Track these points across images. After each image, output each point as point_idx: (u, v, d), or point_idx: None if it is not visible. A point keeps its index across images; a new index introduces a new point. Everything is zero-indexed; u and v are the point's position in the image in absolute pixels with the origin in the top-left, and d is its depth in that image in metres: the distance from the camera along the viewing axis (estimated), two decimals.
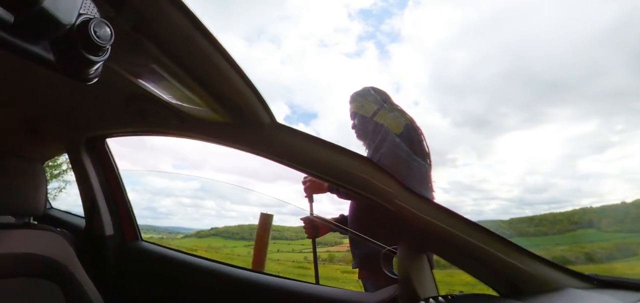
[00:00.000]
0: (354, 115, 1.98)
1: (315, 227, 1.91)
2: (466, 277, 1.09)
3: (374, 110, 1.89)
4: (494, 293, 1.04)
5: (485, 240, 1.00)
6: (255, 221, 2.81)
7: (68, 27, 0.49)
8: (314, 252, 1.98)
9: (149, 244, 1.94)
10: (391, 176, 1.09)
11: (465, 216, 1.01)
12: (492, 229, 1.01)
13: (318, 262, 1.92)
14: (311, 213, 1.93)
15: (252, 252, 2.77)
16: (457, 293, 1.21)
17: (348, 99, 2.04)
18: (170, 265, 1.76)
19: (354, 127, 1.98)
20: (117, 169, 1.99)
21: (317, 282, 1.85)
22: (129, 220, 1.97)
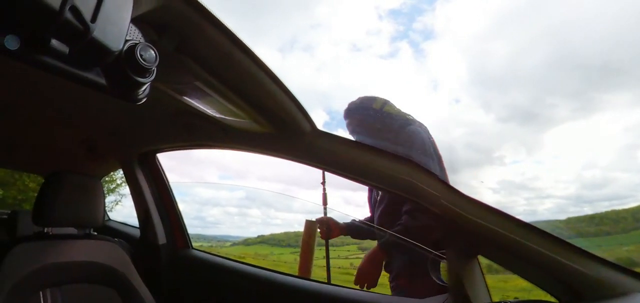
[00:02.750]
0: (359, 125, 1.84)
1: (329, 228, 1.94)
2: (521, 282, 1.03)
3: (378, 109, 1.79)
4: (552, 299, 0.98)
5: (541, 242, 0.94)
6: (300, 228, 2.81)
7: (117, 53, 0.52)
8: (327, 251, 2.06)
9: (199, 252, 2.02)
10: (436, 177, 1.06)
11: (518, 217, 0.96)
12: (548, 230, 0.95)
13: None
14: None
15: (298, 258, 2.78)
16: (511, 299, 1.15)
17: (344, 114, 1.89)
18: (220, 272, 1.82)
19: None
20: (168, 182, 2.08)
21: (329, 281, 1.90)
22: (180, 229, 2.05)
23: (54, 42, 0.46)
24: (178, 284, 1.90)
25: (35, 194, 1.32)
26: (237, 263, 1.82)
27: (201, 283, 1.84)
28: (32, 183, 7.76)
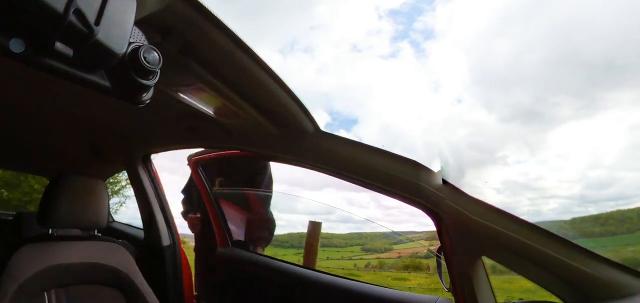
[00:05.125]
0: None
1: (194, 223, 2.36)
2: (526, 283, 1.03)
3: None
4: (557, 300, 0.97)
5: (546, 243, 0.94)
6: (304, 229, 2.81)
7: (120, 55, 0.52)
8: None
9: (240, 250, 2.04)
10: (441, 179, 1.06)
11: (522, 217, 0.96)
12: (553, 230, 0.94)
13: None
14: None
15: (302, 260, 2.78)
16: (516, 300, 1.15)
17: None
18: (262, 268, 1.84)
19: None
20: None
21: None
22: (220, 228, 2.09)
23: (58, 45, 0.47)
24: (224, 280, 1.94)
25: (40, 195, 1.32)
26: (279, 262, 1.84)
27: (243, 278, 1.88)
28: (37, 184, 7.82)
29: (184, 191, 2.51)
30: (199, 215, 2.34)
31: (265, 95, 1.00)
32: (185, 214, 2.44)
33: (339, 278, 1.61)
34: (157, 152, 1.96)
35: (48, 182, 1.31)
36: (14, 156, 2.58)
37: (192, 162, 2.03)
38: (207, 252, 2.37)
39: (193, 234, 2.45)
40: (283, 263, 1.81)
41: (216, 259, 2.00)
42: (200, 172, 2.06)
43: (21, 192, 8.33)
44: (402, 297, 1.39)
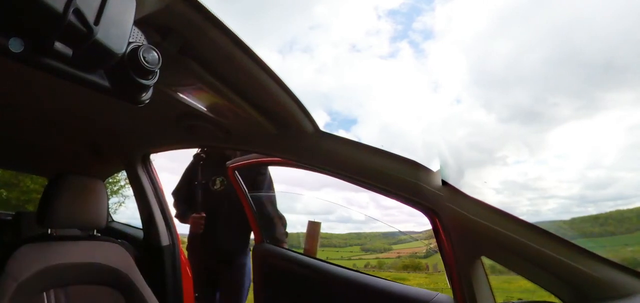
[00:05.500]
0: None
1: (200, 223, 2.34)
2: (525, 283, 1.03)
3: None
4: (556, 300, 0.97)
5: (545, 243, 0.94)
6: (303, 229, 2.81)
7: (120, 55, 0.52)
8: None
9: (280, 249, 2.03)
10: (441, 179, 1.06)
11: (521, 217, 0.96)
12: (552, 230, 0.95)
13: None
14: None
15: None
16: (515, 300, 1.15)
17: None
18: (301, 266, 1.84)
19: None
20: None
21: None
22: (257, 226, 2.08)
23: (58, 45, 0.47)
24: (260, 274, 1.95)
25: (39, 195, 1.32)
26: (311, 259, 1.84)
27: (278, 273, 1.88)
28: (33, 184, 7.82)
29: (176, 192, 2.52)
30: (203, 215, 2.34)
31: (265, 95, 1.00)
32: (181, 216, 2.42)
33: (375, 278, 1.61)
34: (156, 151, 1.96)
35: (46, 180, 1.31)
36: (13, 156, 2.58)
37: (230, 168, 2.04)
38: (208, 253, 2.38)
39: (189, 234, 2.44)
40: (315, 260, 1.81)
41: (253, 255, 2.01)
42: (237, 177, 2.07)
43: (20, 191, 8.34)
44: (433, 297, 1.38)
